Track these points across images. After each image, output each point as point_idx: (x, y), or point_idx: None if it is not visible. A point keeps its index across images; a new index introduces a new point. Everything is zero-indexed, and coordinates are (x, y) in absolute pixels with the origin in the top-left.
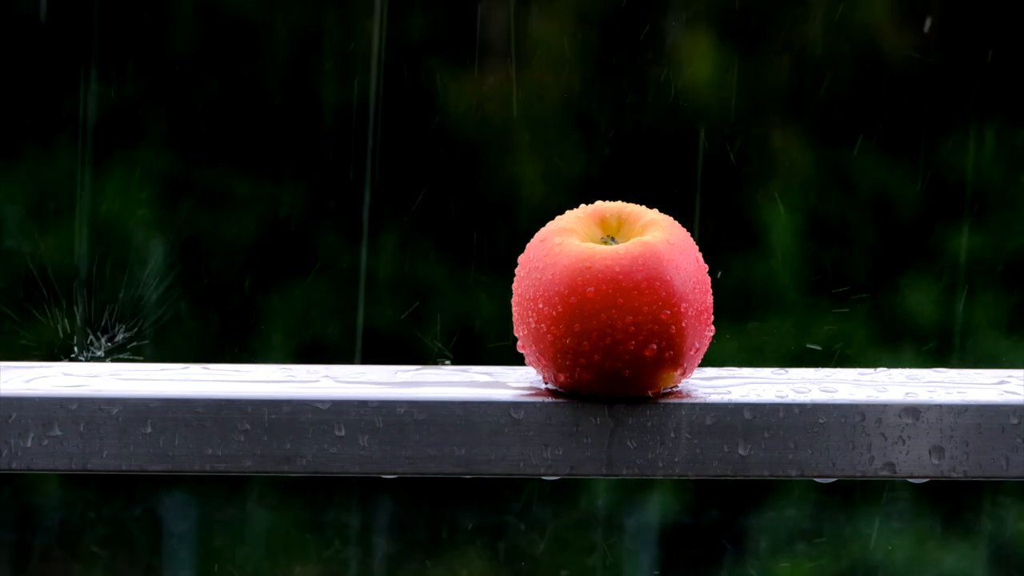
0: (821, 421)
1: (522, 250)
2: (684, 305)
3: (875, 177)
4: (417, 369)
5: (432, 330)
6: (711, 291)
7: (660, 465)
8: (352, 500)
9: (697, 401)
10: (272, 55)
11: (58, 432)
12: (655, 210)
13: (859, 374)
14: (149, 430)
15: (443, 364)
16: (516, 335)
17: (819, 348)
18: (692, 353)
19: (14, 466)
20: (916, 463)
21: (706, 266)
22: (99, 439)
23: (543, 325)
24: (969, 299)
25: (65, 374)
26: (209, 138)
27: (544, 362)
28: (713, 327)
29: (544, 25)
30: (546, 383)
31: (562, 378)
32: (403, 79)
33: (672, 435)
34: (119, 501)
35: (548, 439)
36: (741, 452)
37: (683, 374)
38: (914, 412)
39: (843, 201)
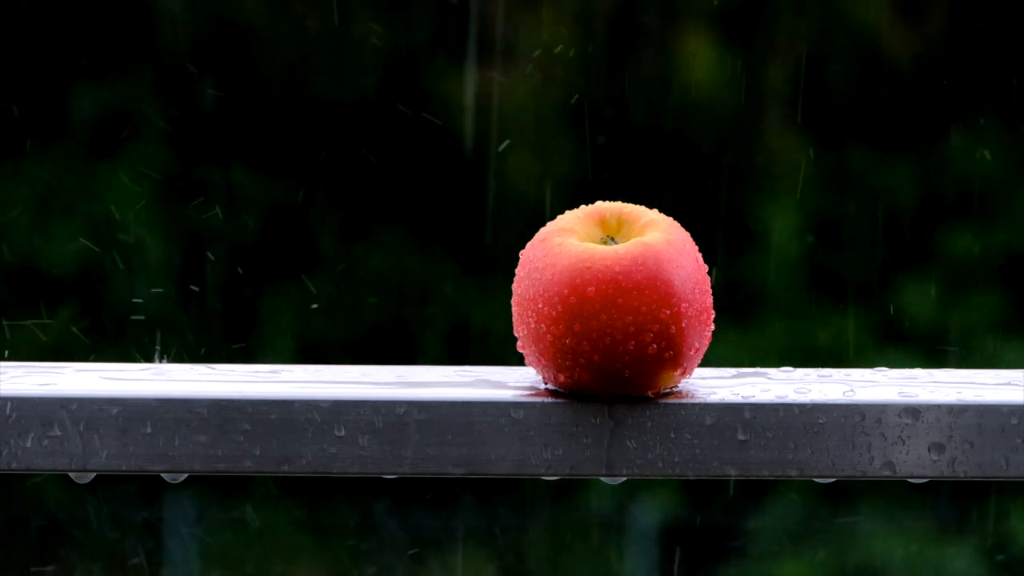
0: (821, 421)
1: (522, 250)
2: (684, 305)
3: (875, 177)
4: (417, 369)
5: (432, 330)
6: (711, 291)
7: (660, 465)
8: (351, 499)
9: (697, 401)
10: (270, 54)
11: (58, 432)
12: (655, 210)
13: (859, 374)
14: (149, 430)
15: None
16: (516, 335)
17: (819, 348)
18: (692, 353)
19: (14, 466)
20: (916, 463)
21: (706, 266)
22: (99, 439)
23: (543, 325)
24: (968, 299)
25: (66, 374)
26: (209, 137)
27: (544, 362)
28: (713, 327)
29: (543, 25)
30: (546, 383)
31: (562, 378)
32: (402, 78)
33: (672, 435)
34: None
35: (548, 439)
36: (741, 452)
37: (683, 374)
38: (914, 412)
39: (843, 201)
